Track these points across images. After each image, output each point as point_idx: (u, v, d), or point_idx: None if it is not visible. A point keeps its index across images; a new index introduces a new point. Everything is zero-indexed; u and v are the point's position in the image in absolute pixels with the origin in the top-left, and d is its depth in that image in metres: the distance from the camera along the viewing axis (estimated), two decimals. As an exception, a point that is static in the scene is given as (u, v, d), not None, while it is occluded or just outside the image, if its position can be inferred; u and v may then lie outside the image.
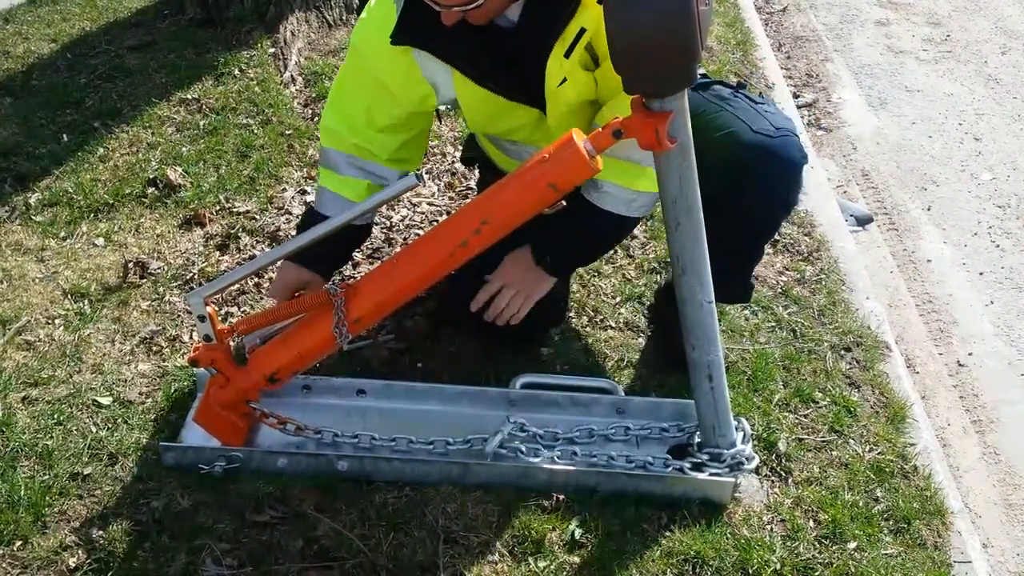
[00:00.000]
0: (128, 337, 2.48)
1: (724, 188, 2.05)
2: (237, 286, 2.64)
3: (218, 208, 2.99)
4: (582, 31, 1.92)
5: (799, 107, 4.51)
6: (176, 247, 2.83)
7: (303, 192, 3.11)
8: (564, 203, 1.90)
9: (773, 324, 2.71)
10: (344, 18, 4.24)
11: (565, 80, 1.99)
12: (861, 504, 2.15)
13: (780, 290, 2.86)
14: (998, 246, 3.62)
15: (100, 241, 2.84)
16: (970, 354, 3.11)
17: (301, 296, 2.17)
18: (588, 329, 2.61)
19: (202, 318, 1.99)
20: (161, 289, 2.65)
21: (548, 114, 2.08)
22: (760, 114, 2.15)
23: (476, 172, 3.19)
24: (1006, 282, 3.43)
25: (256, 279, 2.69)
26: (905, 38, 5.34)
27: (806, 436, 2.33)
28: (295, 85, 3.75)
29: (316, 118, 3.54)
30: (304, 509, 2.00)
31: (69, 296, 2.60)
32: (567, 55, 1.95)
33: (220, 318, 2.52)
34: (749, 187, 2.12)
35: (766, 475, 2.21)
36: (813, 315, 2.77)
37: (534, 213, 1.90)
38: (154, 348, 2.45)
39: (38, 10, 4.36)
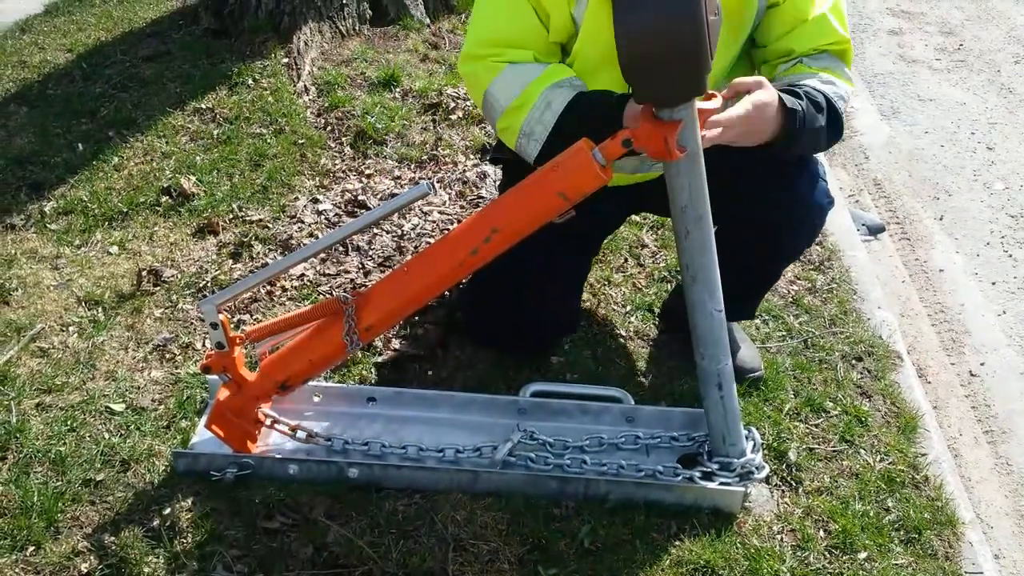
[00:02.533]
0: (141, 344, 2.49)
1: (750, 222, 2.10)
2: (249, 294, 2.66)
3: (231, 216, 3.01)
4: None
5: (811, 116, 4.50)
6: (189, 255, 2.85)
7: (315, 200, 3.13)
8: (573, 212, 1.90)
9: (784, 333, 2.71)
10: (357, 28, 4.27)
11: None
12: (872, 514, 2.15)
13: (791, 299, 2.86)
14: (1011, 256, 3.60)
15: (114, 249, 2.86)
16: (982, 364, 3.10)
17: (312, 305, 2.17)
18: (598, 337, 2.61)
19: (214, 325, 2.00)
20: (174, 297, 2.67)
21: None
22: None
23: (499, 175, 3.20)
24: (1019, 292, 3.41)
25: (268, 287, 2.71)
26: (918, 47, 5.33)
27: (817, 446, 2.33)
28: (308, 95, 3.77)
29: (329, 127, 3.56)
30: (314, 516, 2.00)
31: (83, 303, 2.62)
32: None
33: (232, 326, 2.54)
34: (776, 226, 2.19)
35: (776, 484, 2.21)
36: (824, 324, 2.77)
37: (544, 222, 1.90)
38: (167, 355, 2.46)
39: (54, 20, 4.41)
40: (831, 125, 1.98)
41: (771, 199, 2.15)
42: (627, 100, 1.89)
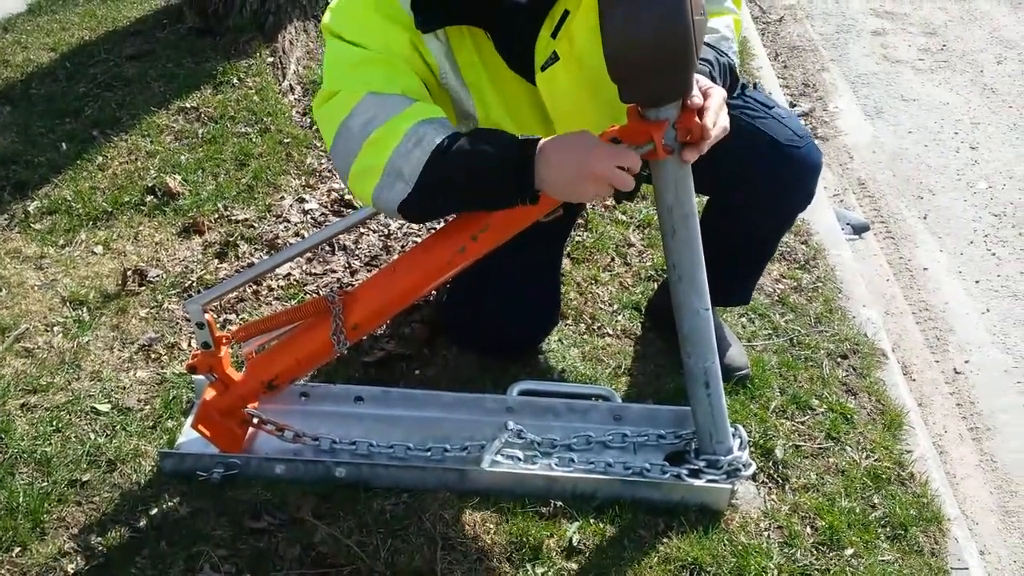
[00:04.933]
0: (127, 344, 2.48)
1: (743, 189, 2.08)
2: (235, 293, 2.65)
3: (216, 216, 3.00)
4: (566, 13, 1.87)
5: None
6: (175, 255, 2.84)
7: (301, 200, 3.12)
8: (561, 211, 1.90)
9: (770, 331, 2.72)
10: (342, 27, 4.25)
11: (555, 60, 1.91)
12: (858, 511, 2.16)
13: (777, 298, 2.87)
14: (994, 254, 3.63)
15: (99, 249, 2.85)
16: (966, 362, 3.12)
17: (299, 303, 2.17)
18: (585, 336, 2.61)
19: (200, 325, 1.99)
20: (159, 297, 2.65)
21: (547, 104, 1.97)
22: (778, 120, 2.16)
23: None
24: (1002, 290, 3.44)
25: (254, 286, 2.70)
26: (901, 48, 5.37)
27: (803, 443, 2.34)
28: (293, 94, 3.76)
29: (314, 126, 3.55)
30: (302, 516, 2.00)
31: (68, 303, 2.61)
32: (553, 35, 1.89)
33: (218, 325, 2.53)
34: (776, 192, 2.17)
35: (763, 482, 2.22)
36: (810, 323, 2.78)
37: (532, 220, 1.90)
38: (152, 355, 2.45)
39: (37, 19, 4.38)
40: (729, 76, 1.99)
41: (762, 164, 2.12)
42: (533, 146, 1.73)
